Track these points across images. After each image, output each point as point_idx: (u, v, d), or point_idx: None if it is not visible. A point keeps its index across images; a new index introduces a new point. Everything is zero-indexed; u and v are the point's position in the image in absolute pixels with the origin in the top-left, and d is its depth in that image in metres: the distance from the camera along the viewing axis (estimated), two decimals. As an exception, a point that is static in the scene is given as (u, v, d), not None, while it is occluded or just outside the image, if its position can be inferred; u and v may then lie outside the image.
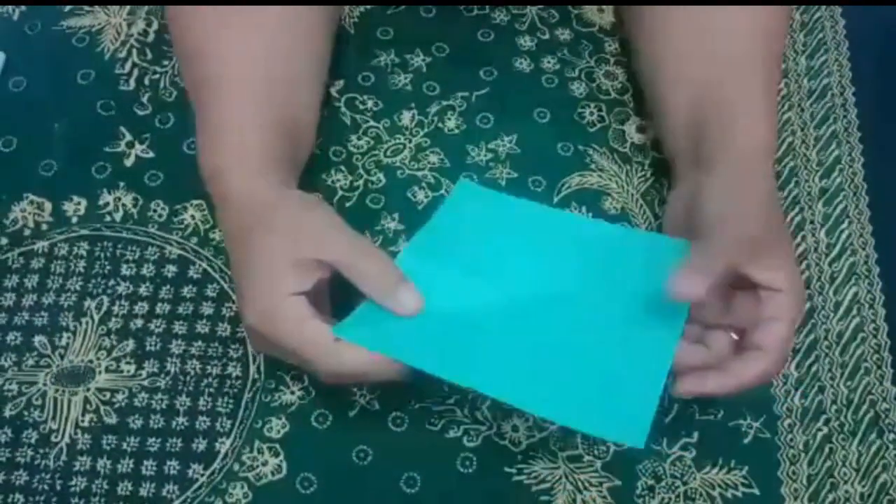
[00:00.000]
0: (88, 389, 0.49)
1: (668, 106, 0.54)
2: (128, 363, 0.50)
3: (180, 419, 0.49)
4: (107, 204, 0.55)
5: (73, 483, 0.47)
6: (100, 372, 0.50)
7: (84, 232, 0.54)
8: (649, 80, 0.57)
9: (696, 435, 0.50)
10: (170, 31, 0.55)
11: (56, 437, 0.48)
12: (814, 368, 0.52)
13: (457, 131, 0.58)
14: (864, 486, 0.49)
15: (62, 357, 0.50)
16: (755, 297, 0.43)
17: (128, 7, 0.62)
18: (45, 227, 0.54)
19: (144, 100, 0.58)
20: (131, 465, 0.48)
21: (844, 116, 0.61)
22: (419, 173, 0.57)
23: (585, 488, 0.48)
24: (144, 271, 0.53)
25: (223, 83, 0.48)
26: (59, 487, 0.47)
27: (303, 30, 0.52)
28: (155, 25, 0.61)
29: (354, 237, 0.45)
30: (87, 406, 0.49)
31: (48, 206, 0.55)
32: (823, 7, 0.65)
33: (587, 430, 0.42)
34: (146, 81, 0.59)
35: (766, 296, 0.42)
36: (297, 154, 0.51)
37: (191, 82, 0.51)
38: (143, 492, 0.47)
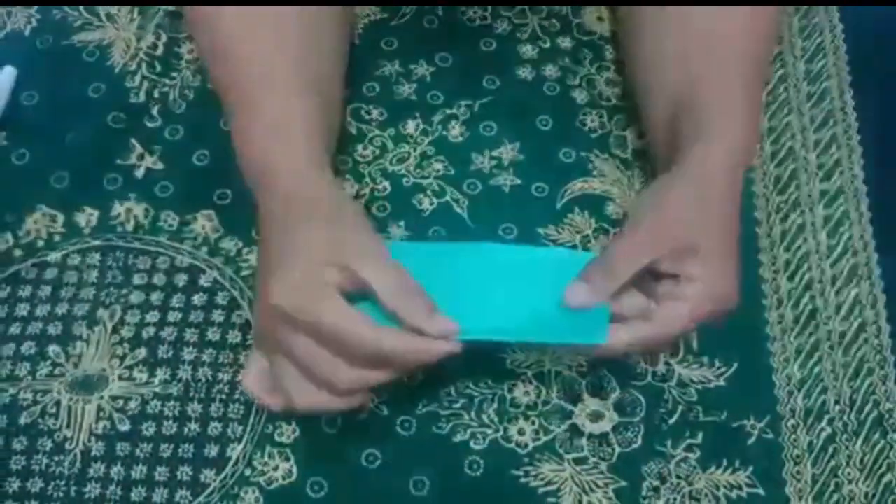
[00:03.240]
0: (102, 397, 0.50)
1: (646, 111, 0.54)
2: (140, 371, 0.51)
3: (192, 425, 0.50)
4: (118, 215, 0.56)
5: (87, 490, 0.48)
6: (113, 380, 0.51)
7: (96, 242, 0.55)
8: (631, 85, 0.57)
9: (700, 436, 0.50)
10: (192, 31, 0.55)
11: (70, 444, 0.49)
12: (816, 369, 0.53)
13: (461, 139, 0.59)
14: (868, 486, 0.50)
15: (76, 366, 0.51)
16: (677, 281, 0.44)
17: (137, 21, 0.63)
18: (57, 238, 0.55)
19: (154, 112, 0.59)
20: (144, 472, 0.48)
21: (844, 119, 0.61)
22: (424, 181, 0.57)
23: (592, 490, 0.49)
24: (156, 280, 0.54)
25: (268, 83, 0.48)
26: (73, 494, 0.48)
27: (325, 28, 0.52)
28: (164, 38, 0.62)
29: (393, 264, 0.43)
30: (101, 413, 0.50)
31: (60, 217, 0.56)
32: (822, 11, 0.66)
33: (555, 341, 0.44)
34: (156, 94, 0.60)
35: (683, 280, 0.43)
36: (331, 152, 0.52)
37: (226, 81, 0.50)
38: (156, 497, 0.48)
